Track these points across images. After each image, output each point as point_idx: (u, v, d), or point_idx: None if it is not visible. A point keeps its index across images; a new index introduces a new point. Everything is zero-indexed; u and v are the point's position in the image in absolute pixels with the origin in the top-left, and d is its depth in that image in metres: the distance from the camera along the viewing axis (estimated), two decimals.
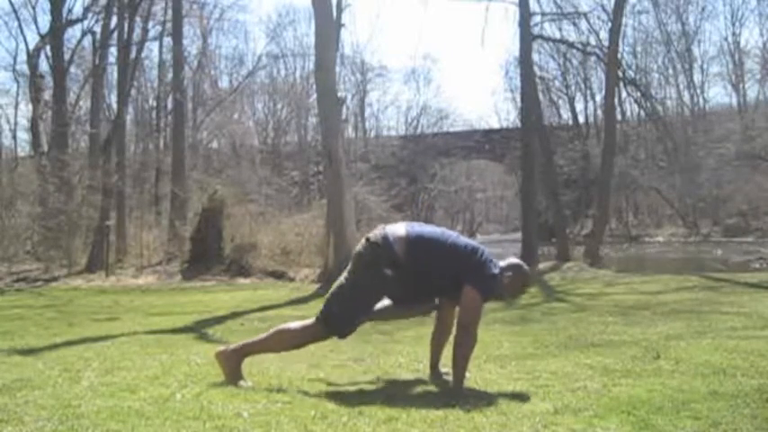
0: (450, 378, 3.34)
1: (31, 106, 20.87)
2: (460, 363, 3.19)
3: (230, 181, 18.76)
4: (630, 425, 2.51)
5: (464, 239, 3.42)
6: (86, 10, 21.06)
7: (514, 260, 3.50)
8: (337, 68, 15.80)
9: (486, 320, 5.91)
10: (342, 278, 3.38)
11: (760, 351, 3.92)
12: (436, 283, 3.32)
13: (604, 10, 21.21)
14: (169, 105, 24.42)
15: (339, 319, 3.30)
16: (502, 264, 3.39)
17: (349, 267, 3.38)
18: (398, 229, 3.32)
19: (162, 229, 16.26)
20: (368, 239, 3.32)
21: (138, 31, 18.75)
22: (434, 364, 3.52)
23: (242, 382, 3.25)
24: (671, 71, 35.57)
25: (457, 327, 3.30)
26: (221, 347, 3.47)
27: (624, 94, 26.97)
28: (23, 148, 25.80)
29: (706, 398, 2.87)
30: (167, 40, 21.97)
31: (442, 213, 46.00)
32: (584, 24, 22.69)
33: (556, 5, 21.77)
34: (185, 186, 16.41)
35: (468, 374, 3.46)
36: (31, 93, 20.50)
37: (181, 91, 18.29)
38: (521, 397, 2.96)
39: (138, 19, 18.19)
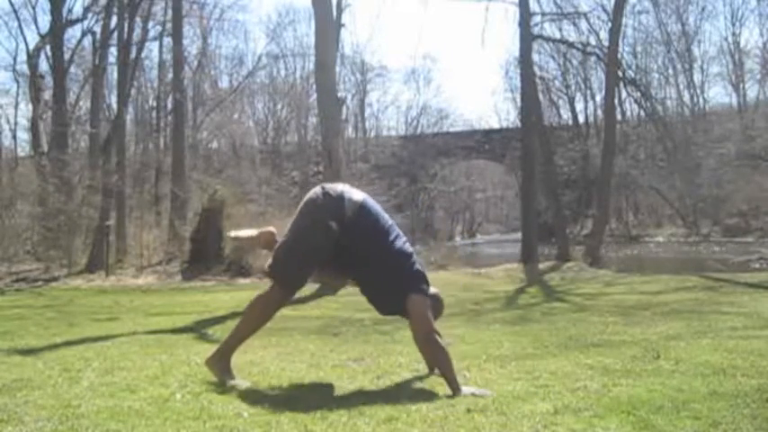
0: None
1: (31, 106, 20.88)
2: (446, 372, 3.13)
3: (230, 181, 18.79)
4: (630, 425, 2.51)
5: (407, 245, 3.37)
6: (86, 10, 21.10)
7: (435, 290, 3.46)
8: (337, 68, 15.81)
9: (487, 320, 5.93)
10: (288, 230, 3.35)
11: (760, 351, 3.92)
12: (374, 272, 3.26)
13: (604, 10, 21.28)
14: (169, 105, 24.44)
15: (284, 266, 3.26)
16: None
17: (296, 216, 3.35)
18: (356, 194, 3.32)
19: (162, 229, 16.26)
20: (323, 188, 3.31)
21: (138, 31, 18.79)
22: (431, 366, 3.51)
23: (236, 382, 3.23)
24: (671, 71, 35.62)
25: (418, 341, 3.24)
26: (209, 355, 3.43)
27: (624, 94, 27.01)
28: (23, 148, 25.88)
29: (706, 398, 2.87)
30: (167, 40, 22.02)
31: (442, 213, 45.99)
32: (584, 24, 22.74)
33: (556, 5, 21.81)
34: (185, 186, 16.42)
35: (467, 374, 3.46)
36: (31, 93, 20.51)
37: (181, 91, 18.30)
38: (521, 397, 2.96)
39: (138, 19, 18.21)
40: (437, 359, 3.18)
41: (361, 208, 3.26)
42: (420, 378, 3.46)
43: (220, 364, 3.32)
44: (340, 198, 3.25)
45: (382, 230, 3.28)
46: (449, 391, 3.09)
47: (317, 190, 3.35)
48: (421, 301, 3.22)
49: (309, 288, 10.19)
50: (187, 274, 13.02)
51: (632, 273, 12.86)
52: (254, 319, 3.37)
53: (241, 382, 3.24)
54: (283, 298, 3.35)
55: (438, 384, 3.29)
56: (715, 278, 10.14)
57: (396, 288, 3.24)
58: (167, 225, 15.94)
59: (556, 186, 17.69)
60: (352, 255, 3.27)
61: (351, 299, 7.36)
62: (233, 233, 3.80)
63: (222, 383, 3.24)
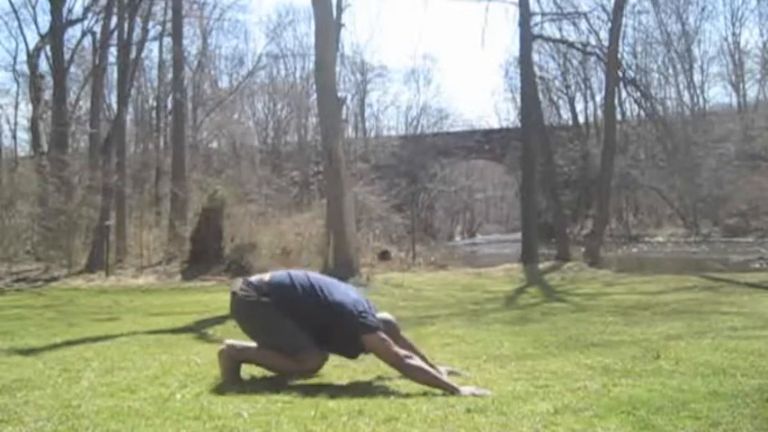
0: (454, 374, 3.39)
1: (31, 106, 20.88)
2: (435, 384, 3.15)
3: (230, 181, 18.78)
4: (630, 425, 2.51)
5: (341, 292, 3.42)
6: (86, 10, 21.09)
7: (386, 315, 3.55)
8: (337, 68, 15.81)
9: (487, 320, 5.93)
10: (254, 338, 3.48)
11: (760, 351, 3.92)
12: (321, 331, 3.34)
13: (604, 10, 21.22)
14: (169, 105, 24.43)
15: (284, 342, 3.32)
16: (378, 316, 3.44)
17: (245, 327, 3.50)
18: (266, 275, 3.53)
19: (162, 229, 16.26)
20: (240, 285, 3.47)
21: (138, 31, 18.75)
22: (431, 366, 3.51)
23: (237, 386, 3.26)
24: (671, 71, 35.61)
25: (398, 371, 3.28)
26: (229, 341, 3.50)
27: (624, 94, 26.95)
28: (23, 148, 25.85)
29: (706, 398, 2.87)
30: (167, 40, 21.99)
31: (442, 213, 46.00)
32: (584, 24, 22.68)
33: (556, 5, 21.79)
34: (185, 186, 16.41)
35: (467, 374, 3.46)
36: (31, 93, 20.51)
37: (181, 91, 18.31)
38: (521, 397, 2.96)
39: (138, 19, 18.19)
40: (423, 379, 3.20)
41: (278, 285, 3.40)
42: None
43: (230, 362, 3.38)
44: (250, 284, 3.43)
45: (309, 294, 3.37)
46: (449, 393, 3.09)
47: (231, 297, 3.49)
48: (376, 339, 3.27)
49: None
50: (187, 274, 13.02)
51: (632, 273, 12.86)
52: (277, 365, 3.44)
53: (241, 384, 3.28)
54: (307, 367, 3.38)
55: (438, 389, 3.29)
56: (715, 278, 10.14)
57: (348, 337, 3.31)
58: (167, 225, 15.93)
59: (556, 186, 17.70)
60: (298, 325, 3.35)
61: None
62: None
63: (224, 379, 3.32)
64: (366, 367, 3.70)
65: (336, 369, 3.67)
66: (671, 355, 3.85)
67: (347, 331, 3.30)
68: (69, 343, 4.90)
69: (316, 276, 3.53)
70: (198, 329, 5.76)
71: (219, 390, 3.14)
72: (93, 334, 5.40)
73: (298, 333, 3.31)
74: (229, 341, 3.51)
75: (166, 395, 3.03)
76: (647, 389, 3.05)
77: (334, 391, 3.14)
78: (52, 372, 3.65)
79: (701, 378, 3.26)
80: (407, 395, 3.07)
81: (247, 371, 3.50)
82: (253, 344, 3.51)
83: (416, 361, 3.26)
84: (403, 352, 3.26)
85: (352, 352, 3.45)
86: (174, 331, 5.63)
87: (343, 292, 3.45)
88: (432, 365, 3.40)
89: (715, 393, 2.94)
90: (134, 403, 2.88)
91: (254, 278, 3.51)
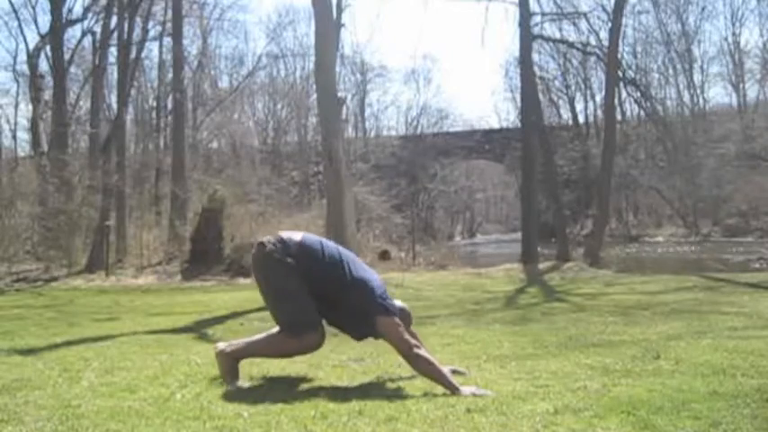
0: (458, 373, 3.40)
1: (31, 106, 20.89)
2: (439, 380, 3.15)
3: (230, 181, 18.77)
4: (630, 425, 2.51)
5: (363, 271, 3.42)
6: (86, 10, 21.10)
7: (401, 303, 3.55)
8: (337, 68, 15.80)
9: (487, 320, 5.93)
10: (265, 294, 3.42)
11: (760, 351, 3.92)
12: (336, 304, 3.33)
13: (604, 10, 21.18)
14: (169, 105, 24.44)
15: (293, 316, 3.28)
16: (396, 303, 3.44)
17: (260, 280, 3.43)
18: (296, 234, 3.45)
19: (162, 229, 16.26)
20: (263, 241, 3.40)
21: (138, 31, 18.77)
22: None
23: (239, 383, 3.27)
24: (671, 71, 35.64)
25: (405, 360, 3.28)
26: (221, 345, 3.49)
27: (624, 94, 27.02)
28: (23, 148, 25.89)
29: (706, 398, 2.87)
30: (167, 40, 22.01)
31: (442, 213, 45.99)
32: (584, 24, 22.66)
33: (556, 5, 21.79)
34: (185, 186, 16.41)
35: (466, 373, 3.46)
36: (31, 93, 20.51)
37: (181, 91, 18.30)
38: (521, 397, 2.96)
39: (138, 19, 18.21)
40: (427, 371, 3.20)
41: (304, 248, 3.34)
42: (420, 378, 3.45)
43: (227, 361, 3.37)
44: (282, 244, 3.35)
45: (332, 264, 3.34)
46: (449, 392, 3.09)
47: (258, 247, 3.42)
48: (391, 323, 3.26)
49: None
50: (187, 274, 13.02)
51: (632, 273, 12.86)
52: (277, 350, 3.42)
53: (240, 383, 3.28)
54: (306, 347, 3.34)
55: (438, 384, 3.30)
56: (715, 278, 10.14)
57: (361, 315, 3.29)
58: (167, 225, 15.93)
59: (556, 186, 17.69)
60: (311, 292, 3.32)
61: None
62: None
63: (224, 379, 3.31)
64: (366, 367, 3.71)
65: (336, 369, 3.67)
66: (671, 355, 3.85)
67: (362, 310, 3.27)
68: (69, 343, 4.90)
69: (345, 252, 3.48)
70: (198, 329, 5.76)
71: (219, 390, 3.14)
72: (93, 334, 5.40)
73: (310, 308, 3.27)
74: (221, 345, 3.45)
75: (166, 395, 3.03)
76: (647, 389, 3.05)
77: (334, 391, 3.14)
78: (52, 372, 3.65)
79: (701, 378, 3.25)
80: (407, 395, 3.07)
81: (247, 371, 3.50)
82: (242, 339, 3.50)
83: (424, 352, 3.25)
84: (413, 341, 3.26)
85: (360, 332, 3.42)
86: (174, 331, 5.63)
87: (369, 272, 3.44)
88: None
89: (715, 393, 2.94)
90: (134, 403, 2.88)
91: (285, 234, 3.42)
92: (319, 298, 3.31)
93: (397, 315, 3.31)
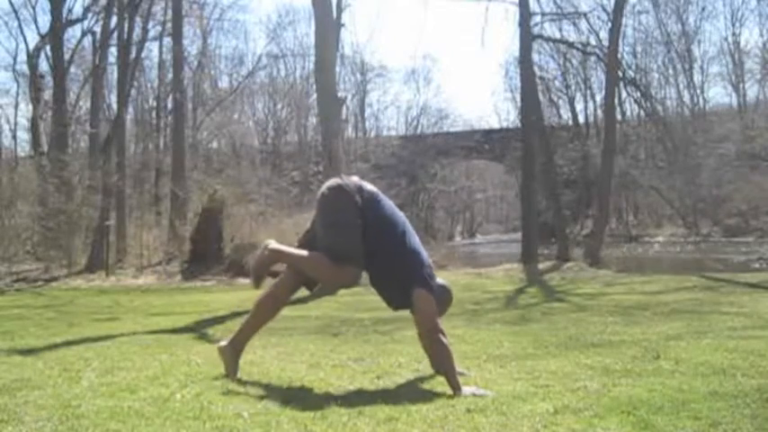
0: (460, 374, 3.36)
1: (31, 106, 20.91)
2: (446, 367, 3.16)
3: (230, 181, 18.76)
4: (630, 425, 2.51)
5: (417, 242, 3.42)
6: (86, 10, 21.13)
7: (444, 281, 3.53)
8: (337, 68, 15.81)
9: (487, 320, 5.93)
10: (322, 226, 3.38)
11: (760, 351, 3.92)
12: (382, 263, 3.31)
13: (604, 10, 21.23)
14: (169, 105, 24.46)
15: (344, 247, 3.26)
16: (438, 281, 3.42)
17: (322, 211, 3.40)
18: (370, 185, 3.44)
19: (162, 229, 16.26)
20: (340, 178, 3.41)
21: (138, 31, 18.77)
22: (435, 365, 3.51)
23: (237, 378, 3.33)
24: (671, 71, 35.64)
25: (422, 337, 3.30)
26: (223, 342, 3.52)
27: (624, 94, 27.01)
28: (23, 148, 25.93)
29: (706, 398, 2.87)
30: (167, 40, 22.02)
31: (442, 213, 46.01)
32: (584, 24, 22.76)
33: (556, 5, 21.84)
34: (185, 186, 16.41)
35: (466, 372, 3.46)
36: (31, 93, 20.53)
37: (181, 91, 18.31)
38: (521, 397, 2.96)
39: (138, 19, 18.21)
40: (439, 357, 3.20)
41: (374, 198, 3.35)
42: (420, 378, 3.46)
43: (232, 357, 3.41)
44: (356, 185, 3.36)
45: (392, 224, 3.34)
46: (449, 391, 3.09)
47: (334, 180, 3.42)
48: (426, 297, 3.24)
49: None
50: (187, 274, 13.02)
51: (632, 273, 12.85)
52: (311, 268, 3.39)
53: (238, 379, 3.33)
54: (346, 277, 3.32)
55: (438, 384, 3.29)
56: (715, 278, 10.13)
57: (402, 282, 3.27)
58: (167, 225, 15.93)
59: (556, 186, 17.70)
60: (373, 244, 3.30)
61: (351, 299, 7.37)
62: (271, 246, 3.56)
63: (227, 373, 3.36)
64: (366, 367, 3.71)
65: (336, 369, 3.67)
66: (671, 355, 3.85)
67: (406, 278, 3.26)
68: (69, 343, 4.89)
69: (407, 223, 3.48)
70: (198, 329, 5.76)
71: (219, 390, 3.14)
72: (93, 334, 5.40)
73: (360, 246, 3.26)
74: (272, 245, 3.45)
75: (166, 395, 3.02)
76: (647, 389, 3.05)
77: (334, 391, 3.14)
78: (52, 372, 3.65)
79: (701, 378, 3.25)
80: (407, 395, 3.07)
81: (247, 371, 3.50)
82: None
83: (446, 341, 3.24)
84: (441, 326, 3.25)
85: (398, 302, 3.38)
86: (174, 331, 5.63)
87: (421, 246, 3.43)
88: None
89: (715, 393, 2.94)
90: (134, 403, 2.88)
91: (361, 181, 3.43)
92: (369, 254, 3.30)
93: (435, 294, 3.29)
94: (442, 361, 3.19)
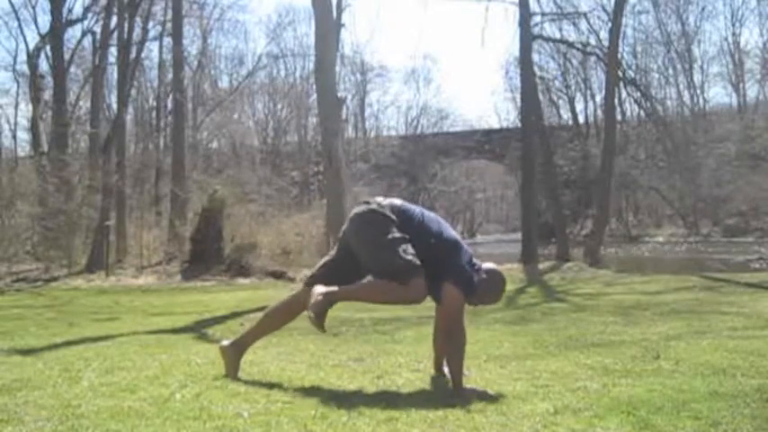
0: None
1: (31, 106, 20.90)
2: (455, 365, 3.18)
3: (230, 181, 18.75)
4: (630, 425, 2.51)
5: (454, 236, 3.40)
6: (86, 10, 21.12)
7: (492, 265, 3.47)
8: (337, 68, 15.82)
9: (487, 320, 5.92)
10: (364, 251, 3.29)
11: (760, 351, 3.92)
12: (432, 268, 3.24)
13: (604, 10, 21.28)
14: (169, 105, 24.45)
15: (398, 263, 3.14)
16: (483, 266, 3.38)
17: (358, 236, 3.31)
18: (395, 200, 3.41)
19: (162, 229, 16.25)
20: (368, 201, 3.36)
21: (138, 31, 18.75)
22: (439, 365, 3.51)
23: (237, 384, 3.31)
24: (671, 71, 35.64)
25: (440, 331, 3.31)
26: (225, 342, 3.54)
27: (624, 94, 27.01)
28: (23, 148, 25.92)
29: (706, 398, 2.87)
30: (167, 40, 22.01)
31: (442, 213, 45.88)
32: (584, 24, 22.70)
33: (556, 5, 21.85)
34: (185, 186, 16.41)
35: (467, 373, 3.46)
36: (31, 93, 20.53)
37: (181, 91, 18.29)
38: (521, 397, 2.96)
39: (138, 19, 18.18)
40: (450, 354, 3.21)
41: (403, 209, 3.31)
42: (420, 378, 3.46)
43: (234, 357, 3.43)
44: (386, 203, 3.32)
45: (428, 226, 3.30)
46: (449, 391, 3.09)
47: (363, 206, 3.35)
48: (454, 292, 3.20)
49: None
50: (187, 274, 13.01)
51: (632, 273, 12.85)
52: (379, 297, 3.29)
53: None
54: (417, 292, 3.16)
55: (438, 384, 3.30)
56: (715, 278, 10.14)
57: (437, 276, 3.20)
58: (167, 225, 15.92)
59: (556, 186, 17.70)
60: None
61: None
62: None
63: (227, 373, 3.38)
64: (366, 367, 3.71)
65: (336, 369, 3.67)
66: (671, 355, 3.85)
67: (441, 272, 3.21)
68: (69, 343, 4.89)
69: (441, 219, 3.47)
70: (198, 329, 5.76)
71: (219, 390, 3.14)
72: (93, 334, 5.40)
73: (415, 257, 3.15)
74: (320, 289, 3.23)
75: (166, 395, 3.02)
76: (647, 389, 3.05)
77: (334, 391, 3.14)
78: (52, 372, 3.64)
79: (701, 378, 3.26)
80: (407, 395, 3.07)
81: (247, 371, 3.50)
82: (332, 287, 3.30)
83: (463, 341, 3.22)
84: (462, 325, 3.23)
85: (434, 294, 3.31)
86: (174, 331, 5.63)
87: (456, 236, 3.41)
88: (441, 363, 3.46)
89: (715, 393, 2.95)
90: (134, 403, 2.88)
91: (379, 198, 3.37)
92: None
93: (468, 292, 3.23)
94: (452, 358, 3.20)
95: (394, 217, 3.24)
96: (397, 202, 3.38)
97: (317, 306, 3.11)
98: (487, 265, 3.44)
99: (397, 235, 3.19)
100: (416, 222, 3.29)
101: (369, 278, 3.33)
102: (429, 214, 3.43)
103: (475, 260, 3.37)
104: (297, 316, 3.55)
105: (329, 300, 3.17)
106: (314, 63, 13.54)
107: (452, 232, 3.40)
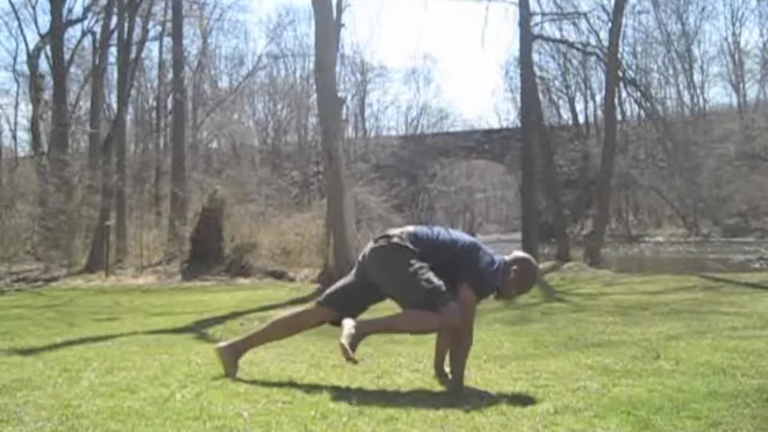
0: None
1: (31, 106, 20.91)
2: (459, 363, 3.20)
3: (230, 181, 18.75)
4: (630, 425, 2.52)
5: (462, 237, 3.43)
6: (86, 10, 21.11)
7: (521, 253, 3.49)
8: (337, 68, 15.81)
9: (487, 320, 5.92)
10: (391, 284, 3.32)
11: (760, 351, 3.92)
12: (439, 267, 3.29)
13: (604, 10, 21.24)
14: (169, 105, 24.45)
15: (429, 292, 3.16)
16: (507, 258, 3.39)
17: (384, 270, 3.33)
18: (408, 227, 3.45)
19: (162, 229, 16.25)
20: (387, 235, 3.38)
21: (138, 31, 18.77)
22: (439, 364, 3.52)
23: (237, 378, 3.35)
24: (671, 71, 35.60)
25: (453, 331, 3.31)
26: (222, 343, 3.54)
27: (624, 94, 27.00)
28: (23, 148, 25.91)
29: (706, 398, 2.87)
30: (167, 40, 22.02)
31: (442, 213, 46.00)
32: (584, 24, 22.73)
33: (556, 5, 21.84)
34: (185, 186, 16.40)
35: (467, 373, 3.46)
36: (31, 93, 20.53)
37: (181, 91, 18.29)
38: (521, 397, 2.96)
39: (138, 19, 18.19)
40: (455, 353, 3.24)
41: (417, 235, 3.34)
42: (420, 378, 3.46)
43: (232, 357, 3.44)
44: (401, 233, 3.35)
45: (442, 246, 3.33)
46: (449, 391, 3.09)
47: (382, 240, 3.37)
48: (469, 297, 3.23)
49: (310, 288, 10.21)
50: (187, 274, 13.01)
51: (632, 273, 12.85)
52: (413, 328, 3.34)
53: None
54: (452, 317, 3.18)
55: (438, 384, 3.30)
56: (715, 278, 10.13)
57: (455, 279, 3.23)
58: (167, 225, 15.92)
59: (556, 186, 17.69)
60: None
61: None
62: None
63: (226, 373, 3.38)
64: (366, 367, 3.70)
65: (336, 369, 3.67)
66: (671, 355, 3.85)
67: (461, 274, 3.23)
68: (69, 343, 4.90)
69: (454, 231, 3.53)
70: (198, 329, 5.76)
71: (219, 390, 3.14)
72: (93, 334, 5.40)
73: (441, 281, 3.18)
74: (350, 322, 3.24)
75: (166, 395, 3.03)
76: (647, 389, 3.05)
77: (334, 391, 3.14)
78: (52, 372, 3.65)
79: (701, 378, 3.26)
80: (407, 395, 3.07)
81: (247, 371, 3.50)
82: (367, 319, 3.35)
83: (470, 341, 3.27)
84: (471, 328, 3.26)
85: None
86: (174, 331, 5.63)
87: (470, 239, 3.44)
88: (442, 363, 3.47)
89: (715, 393, 2.95)
90: (134, 403, 2.88)
91: (396, 231, 3.41)
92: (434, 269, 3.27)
93: (482, 294, 3.30)
94: (456, 357, 3.22)
95: (413, 247, 3.28)
96: (411, 228, 3.42)
97: (350, 338, 3.14)
98: (517, 254, 3.45)
99: (420, 264, 3.23)
100: (433, 242, 3.34)
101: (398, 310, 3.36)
102: (438, 229, 3.47)
103: (497, 257, 3.37)
104: (303, 331, 3.59)
105: (363, 332, 3.22)
106: (314, 63, 13.53)
107: (467, 238, 3.44)
